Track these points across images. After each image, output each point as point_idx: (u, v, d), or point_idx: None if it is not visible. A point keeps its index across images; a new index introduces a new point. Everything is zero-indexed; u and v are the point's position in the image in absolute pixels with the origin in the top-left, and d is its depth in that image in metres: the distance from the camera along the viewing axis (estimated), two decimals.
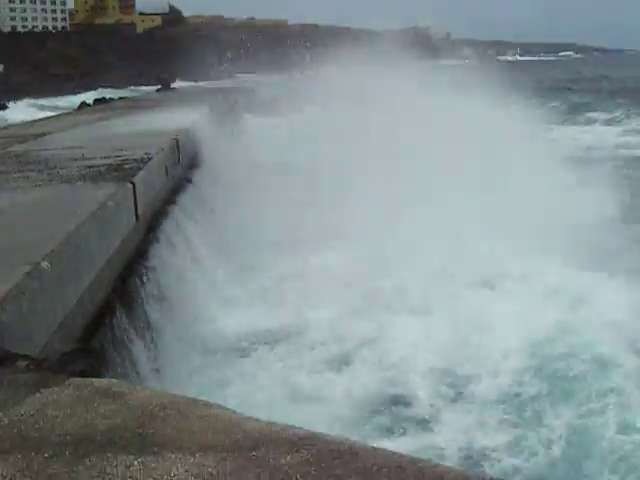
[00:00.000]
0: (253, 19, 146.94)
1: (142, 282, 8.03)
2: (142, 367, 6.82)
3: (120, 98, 40.29)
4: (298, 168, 17.57)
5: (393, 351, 8.62)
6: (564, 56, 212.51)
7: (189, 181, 13.42)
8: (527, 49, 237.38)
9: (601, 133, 30.85)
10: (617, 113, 37.49)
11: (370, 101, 21.87)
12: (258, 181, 16.47)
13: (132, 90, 75.42)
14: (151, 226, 9.61)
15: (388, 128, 18.43)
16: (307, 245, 12.19)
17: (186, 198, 12.09)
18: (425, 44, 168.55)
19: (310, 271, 11.28)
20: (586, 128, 33.12)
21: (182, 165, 13.53)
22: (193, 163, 14.87)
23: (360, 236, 12.18)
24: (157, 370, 7.19)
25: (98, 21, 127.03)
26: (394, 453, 2.64)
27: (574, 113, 40.18)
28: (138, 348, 7.00)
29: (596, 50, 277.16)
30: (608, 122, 34.78)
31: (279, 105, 28.02)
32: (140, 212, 8.71)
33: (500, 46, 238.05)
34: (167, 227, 10.06)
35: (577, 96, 49.77)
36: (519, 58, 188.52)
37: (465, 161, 14.88)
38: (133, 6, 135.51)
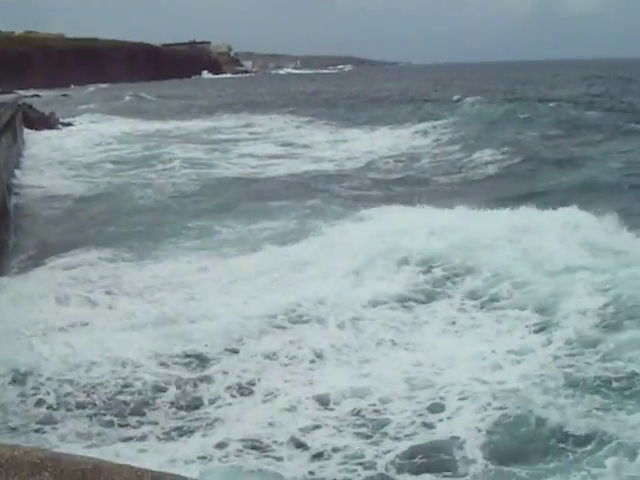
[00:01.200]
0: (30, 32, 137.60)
1: None
2: None
3: None
4: None
5: None
6: (339, 69, 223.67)
7: None
8: (308, 62, 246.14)
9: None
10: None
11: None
12: None
13: None
14: None
15: None
16: None
17: None
18: (205, 58, 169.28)
19: None
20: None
21: None
22: None
23: None
24: None
25: None
26: (137, 469, 2.90)
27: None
28: None
29: (372, 63, 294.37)
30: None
31: None
32: None
33: (281, 59, 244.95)
34: None
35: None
36: (294, 71, 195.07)
37: None
38: None
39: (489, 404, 6.45)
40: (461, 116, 33.53)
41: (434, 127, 30.74)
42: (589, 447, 5.75)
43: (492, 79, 72.00)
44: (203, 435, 6.42)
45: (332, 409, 6.74)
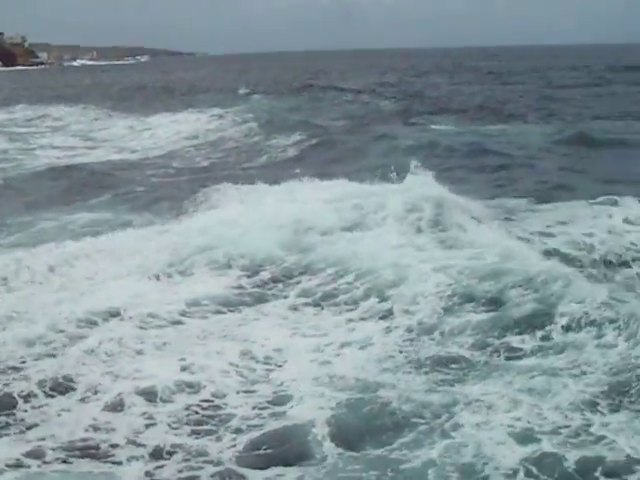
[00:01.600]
0: None
1: None
2: None
3: None
4: None
5: None
6: (137, 60, 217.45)
7: None
8: (105, 53, 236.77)
9: None
10: None
11: None
12: None
13: None
14: None
15: None
16: None
17: None
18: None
19: None
20: None
21: None
22: None
23: None
24: None
25: None
26: None
27: None
28: None
29: (170, 53, 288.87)
30: None
31: None
32: None
33: (78, 50, 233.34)
34: None
35: None
36: (88, 62, 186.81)
37: None
38: None
39: (331, 391, 6.37)
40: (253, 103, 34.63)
41: (227, 112, 31.69)
42: (429, 420, 5.85)
43: (286, 69, 73.73)
44: (15, 440, 5.77)
45: (162, 405, 6.30)
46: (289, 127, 25.40)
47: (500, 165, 17.90)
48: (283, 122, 27.00)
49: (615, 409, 5.82)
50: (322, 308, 8.60)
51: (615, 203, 12.18)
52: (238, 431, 5.91)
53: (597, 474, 5.02)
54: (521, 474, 5.05)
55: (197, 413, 6.22)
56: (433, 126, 25.57)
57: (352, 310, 8.46)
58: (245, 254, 10.10)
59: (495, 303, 8.16)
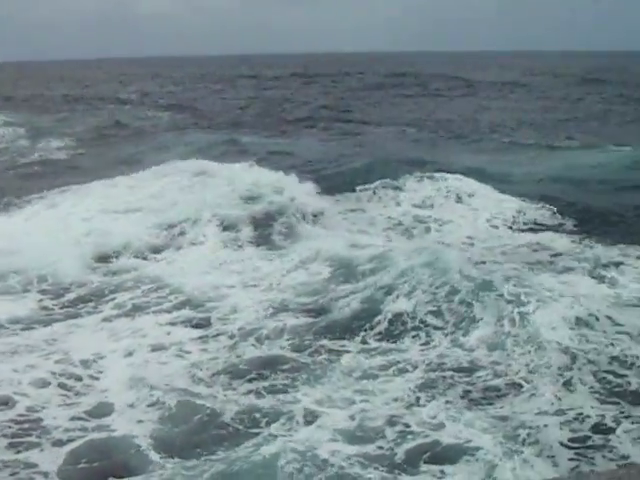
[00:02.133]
0: None
1: None
2: None
3: None
4: None
5: None
6: None
7: None
8: None
9: None
10: None
11: None
12: None
13: None
14: None
15: None
16: None
17: None
18: None
19: None
20: None
21: None
22: None
23: None
24: None
25: None
26: None
27: None
28: None
29: None
30: None
31: None
32: None
33: None
34: None
35: None
36: None
37: None
38: None
39: (153, 399, 6.20)
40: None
41: None
42: (259, 425, 5.85)
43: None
44: None
45: None
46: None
47: None
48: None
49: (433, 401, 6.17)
50: (134, 318, 8.29)
51: None
52: (59, 443, 5.55)
53: (424, 461, 5.32)
54: (356, 469, 5.17)
55: (12, 427, 5.76)
56: None
57: (168, 316, 8.33)
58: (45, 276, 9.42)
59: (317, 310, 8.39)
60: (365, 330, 7.74)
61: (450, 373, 6.67)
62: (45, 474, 5.18)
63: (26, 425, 5.82)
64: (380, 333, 7.67)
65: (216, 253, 10.54)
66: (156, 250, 10.77)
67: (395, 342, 7.46)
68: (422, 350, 7.20)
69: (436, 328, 7.65)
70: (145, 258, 10.44)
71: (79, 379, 6.69)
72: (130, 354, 7.27)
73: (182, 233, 11.35)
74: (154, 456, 5.42)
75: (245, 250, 10.84)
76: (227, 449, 5.51)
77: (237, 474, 5.09)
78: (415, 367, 6.80)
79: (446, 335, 7.48)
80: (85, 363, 7.01)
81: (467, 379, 6.54)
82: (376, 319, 7.90)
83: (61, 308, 8.68)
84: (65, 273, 9.55)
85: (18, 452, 5.45)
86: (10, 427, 5.77)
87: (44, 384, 6.52)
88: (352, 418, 5.89)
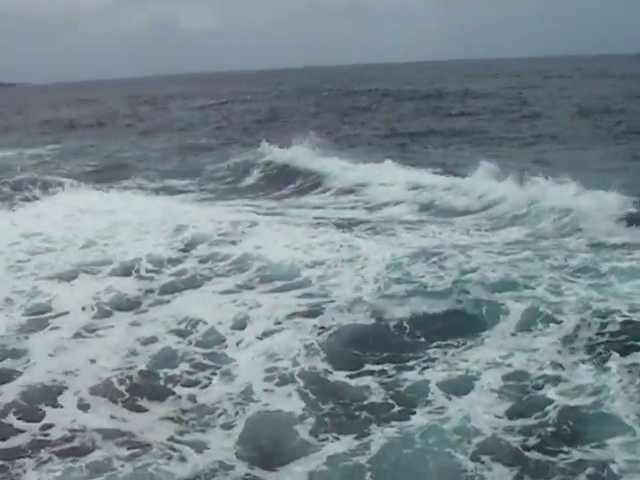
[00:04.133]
0: None
1: None
2: None
3: None
4: None
5: None
6: None
7: None
8: None
9: None
10: None
11: None
12: None
13: None
14: None
15: None
16: None
17: None
18: None
19: None
20: None
21: None
22: None
23: None
24: None
25: None
26: None
27: None
28: None
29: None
30: None
31: None
32: None
33: None
34: None
35: None
36: None
37: None
38: None
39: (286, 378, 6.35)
40: None
41: None
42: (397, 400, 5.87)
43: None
44: None
45: None
46: None
47: None
48: None
49: None
50: (241, 293, 8.57)
51: None
52: (222, 422, 5.78)
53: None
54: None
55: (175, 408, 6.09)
56: None
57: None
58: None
59: None
60: None
61: None
62: (216, 453, 5.29)
63: (187, 406, 6.07)
64: None
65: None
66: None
67: None
68: None
69: None
70: (234, 243, 10.60)
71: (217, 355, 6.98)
72: (250, 328, 7.47)
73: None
74: (309, 435, 5.45)
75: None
76: (380, 426, 5.47)
77: (397, 450, 5.04)
78: None
79: None
80: (211, 335, 7.38)
81: None
82: None
83: (166, 286, 9.11)
84: (159, 258, 10.03)
85: (182, 434, 5.59)
86: (174, 409, 6.02)
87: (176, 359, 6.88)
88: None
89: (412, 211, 13.11)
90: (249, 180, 18.49)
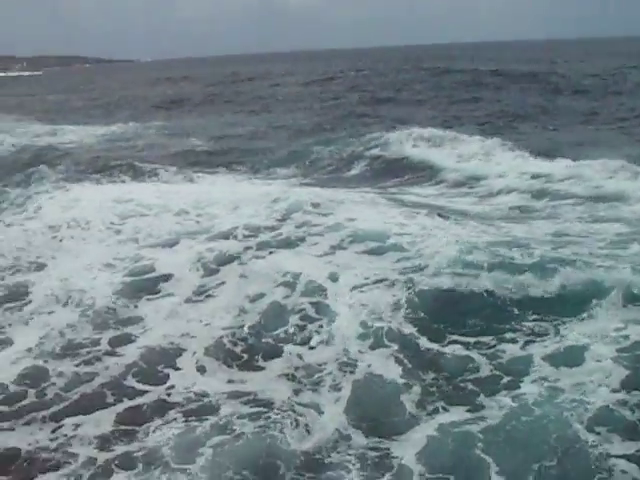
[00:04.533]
0: None
1: None
2: None
3: None
4: None
5: None
6: (77, 68, 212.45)
7: None
8: (35, 62, 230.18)
9: None
10: None
11: None
12: None
13: None
14: None
15: None
16: None
17: None
18: None
19: None
20: None
21: None
22: None
23: None
24: None
25: None
26: None
27: None
28: None
29: (107, 61, 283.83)
30: None
31: None
32: None
33: (6, 60, 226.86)
34: None
35: None
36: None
37: None
38: None
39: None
40: None
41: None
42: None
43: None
44: None
45: None
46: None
47: None
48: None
49: None
50: (334, 254, 8.73)
51: None
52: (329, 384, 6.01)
53: None
54: None
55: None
56: None
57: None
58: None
59: None
60: None
61: None
62: (330, 419, 5.48)
63: (298, 364, 6.33)
64: None
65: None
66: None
67: None
68: None
69: None
70: (327, 215, 10.55)
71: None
72: (344, 288, 7.55)
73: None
74: (416, 406, 5.53)
75: None
76: (490, 396, 5.51)
77: (512, 420, 5.08)
78: None
79: None
80: (309, 293, 7.55)
81: None
82: None
83: (263, 244, 9.41)
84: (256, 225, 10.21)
85: (296, 394, 5.84)
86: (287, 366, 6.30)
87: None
88: None
89: (522, 199, 12.41)
90: (355, 170, 17.19)
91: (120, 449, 5.26)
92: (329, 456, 5.02)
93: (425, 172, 15.77)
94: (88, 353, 6.72)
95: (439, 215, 10.39)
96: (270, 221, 10.34)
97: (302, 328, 6.92)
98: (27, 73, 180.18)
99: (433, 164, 16.07)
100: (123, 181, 15.79)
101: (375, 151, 18.10)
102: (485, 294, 7.19)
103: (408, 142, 18.20)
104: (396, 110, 27.52)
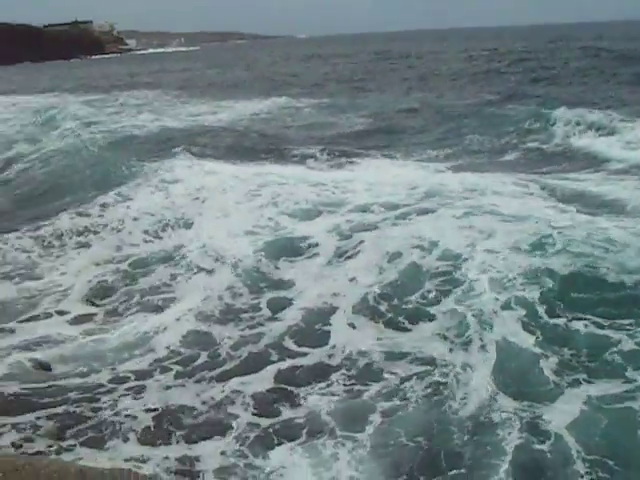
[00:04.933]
0: None
1: None
2: None
3: None
4: None
5: None
6: (232, 43, 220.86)
7: None
8: (192, 38, 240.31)
9: None
10: None
11: None
12: None
13: None
14: None
15: None
16: None
17: None
18: (88, 38, 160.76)
19: None
20: None
21: None
22: None
23: None
24: None
25: None
26: None
27: None
28: None
29: (263, 37, 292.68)
30: None
31: None
32: None
33: (165, 36, 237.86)
34: None
35: None
36: (168, 50, 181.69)
37: None
38: None
39: None
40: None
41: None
42: None
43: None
44: None
45: None
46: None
47: None
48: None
49: None
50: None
51: None
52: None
53: None
54: None
55: None
56: None
57: None
58: None
59: None
60: None
61: None
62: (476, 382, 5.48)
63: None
64: None
65: None
66: None
67: None
68: None
69: None
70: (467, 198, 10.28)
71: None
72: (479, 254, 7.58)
73: None
74: (556, 375, 5.45)
75: None
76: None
77: None
78: None
79: None
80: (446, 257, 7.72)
81: None
82: None
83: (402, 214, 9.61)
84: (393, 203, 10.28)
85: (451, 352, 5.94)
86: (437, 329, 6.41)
87: None
88: None
89: None
90: (508, 155, 15.62)
91: (284, 414, 5.28)
92: (489, 418, 5.02)
93: (586, 161, 14.17)
94: (252, 318, 7.08)
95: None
96: (409, 200, 10.37)
97: (439, 289, 7.11)
98: (184, 48, 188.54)
99: (596, 151, 14.59)
100: (263, 164, 15.40)
101: (533, 136, 16.96)
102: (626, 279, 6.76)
103: (571, 126, 16.82)
104: (556, 90, 25.87)
